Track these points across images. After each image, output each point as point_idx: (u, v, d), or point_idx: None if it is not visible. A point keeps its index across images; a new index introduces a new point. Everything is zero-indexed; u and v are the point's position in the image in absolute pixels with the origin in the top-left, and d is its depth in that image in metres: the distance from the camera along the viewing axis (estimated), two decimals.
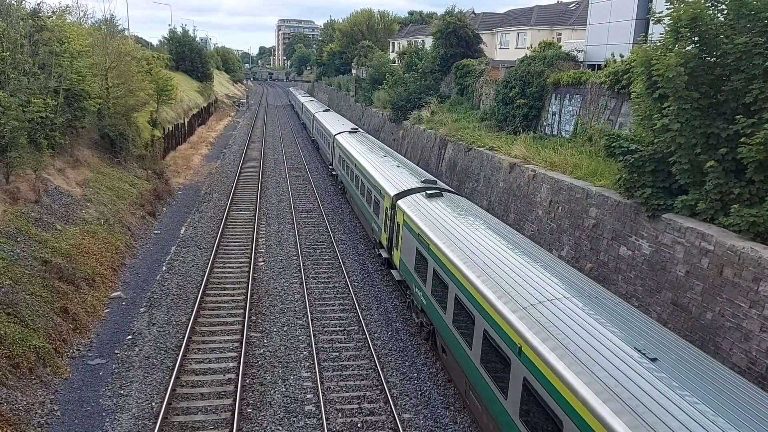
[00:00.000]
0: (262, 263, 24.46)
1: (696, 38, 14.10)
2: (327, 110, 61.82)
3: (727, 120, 13.84)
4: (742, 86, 13.47)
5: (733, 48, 13.48)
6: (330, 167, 43.05)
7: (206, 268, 23.06)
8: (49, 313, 16.30)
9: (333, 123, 47.42)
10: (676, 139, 14.34)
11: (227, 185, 39.14)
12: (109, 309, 19.28)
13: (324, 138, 47.71)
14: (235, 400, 14.31)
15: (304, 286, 22.00)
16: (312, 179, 42.91)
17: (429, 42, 55.27)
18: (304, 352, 17.18)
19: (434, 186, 22.01)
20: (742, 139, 12.98)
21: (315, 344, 17.57)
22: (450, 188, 23.37)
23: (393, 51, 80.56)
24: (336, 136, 39.28)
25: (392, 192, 21.57)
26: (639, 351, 9.16)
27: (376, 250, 25.02)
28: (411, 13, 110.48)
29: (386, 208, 22.22)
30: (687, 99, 13.85)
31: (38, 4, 29.12)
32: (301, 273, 23.37)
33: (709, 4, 14.25)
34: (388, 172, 25.05)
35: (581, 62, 30.01)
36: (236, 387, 14.90)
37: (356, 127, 44.11)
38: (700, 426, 7.37)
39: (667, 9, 14.75)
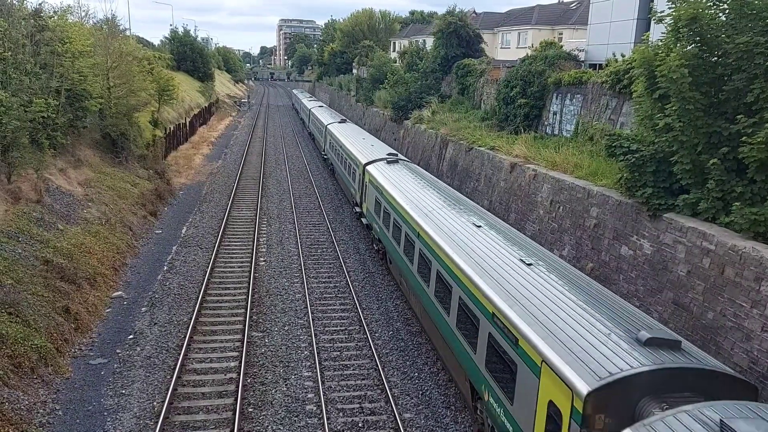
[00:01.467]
0: (263, 263, 24.48)
1: (697, 38, 14.09)
2: (344, 121, 48.90)
3: (728, 119, 13.84)
4: (744, 86, 13.47)
5: (734, 47, 13.47)
6: (356, 209, 29.90)
7: (207, 267, 23.07)
8: (50, 313, 16.32)
9: (358, 143, 34.05)
10: (678, 138, 14.33)
11: (228, 185, 39.17)
12: (111, 308, 19.30)
13: (345, 164, 34.22)
14: (236, 400, 14.32)
15: (305, 285, 22.02)
16: (313, 179, 42.92)
17: (430, 41, 55.26)
18: (305, 352, 17.20)
19: (666, 339, 9.35)
20: (744, 138, 12.97)
21: (316, 344, 17.58)
22: (677, 336, 9.87)
23: (394, 51, 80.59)
24: (368, 168, 27.11)
25: (570, 377, 8.83)
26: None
27: (480, 418, 13.07)
28: (412, 13, 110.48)
29: (539, 384, 9.67)
30: (690, 99, 13.84)
31: (40, 4, 29.19)
32: (302, 272, 23.38)
33: (710, 4, 14.24)
34: (514, 279, 12.25)
35: (582, 62, 30.00)
36: (237, 386, 14.92)
37: (395, 152, 30.62)
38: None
39: (669, 8, 14.74)
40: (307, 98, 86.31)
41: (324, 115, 54.16)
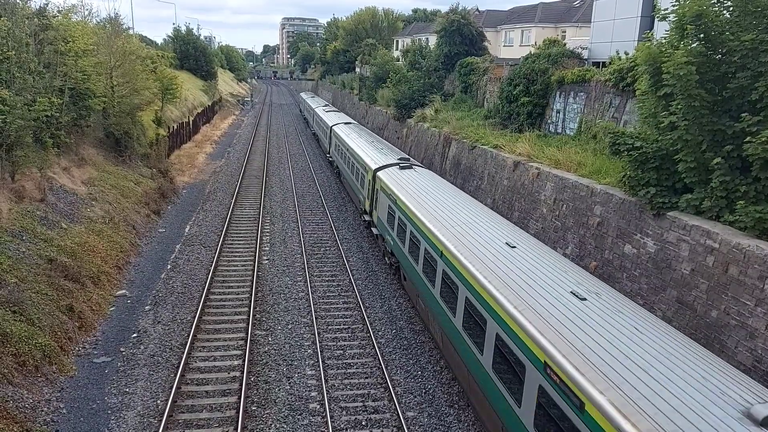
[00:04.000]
0: (267, 261, 24.50)
1: (701, 35, 14.04)
2: (407, 164, 25.61)
3: (733, 117, 13.80)
4: (748, 83, 13.42)
5: (738, 45, 13.42)
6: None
7: (211, 266, 23.11)
8: (54, 312, 16.37)
9: (494, 258, 13.62)
10: (683, 136, 14.29)
11: (231, 184, 39.21)
12: (115, 307, 19.35)
13: (451, 295, 14.69)
14: (239, 398, 14.35)
15: (308, 284, 22.03)
16: (316, 178, 42.93)
17: (433, 40, 55.19)
18: (309, 350, 17.22)
19: None
20: (748, 137, 12.93)
21: (319, 342, 17.60)
22: None
23: (397, 49, 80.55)
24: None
25: None
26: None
27: None
28: (415, 11, 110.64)
29: None
30: (696, 97, 13.80)
31: (44, 4, 29.26)
32: (305, 271, 23.40)
33: (715, 1, 14.18)
34: None
35: (585, 60, 29.92)
36: (241, 385, 14.94)
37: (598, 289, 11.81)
38: None
39: (673, 6, 14.69)
40: (322, 107, 62.99)
41: (360, 144, 33.09)
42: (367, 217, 27.57)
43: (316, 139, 60.37)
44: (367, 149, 31.29)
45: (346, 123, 45.67)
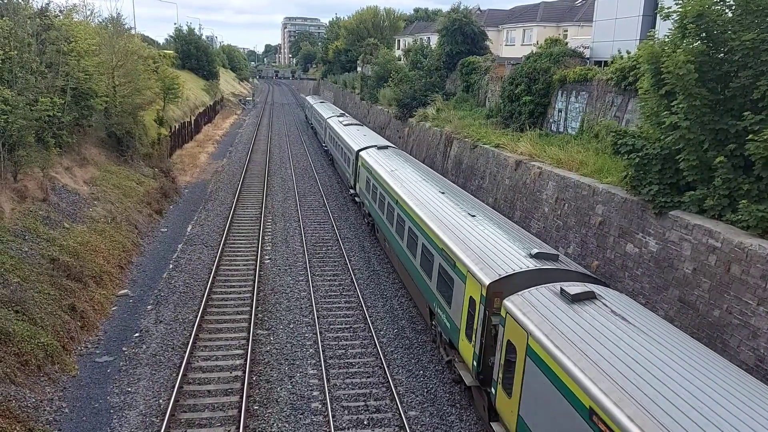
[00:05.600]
0: (268, 261, 24.52)
1: (703, 34, 14.03)
2: (577, 282, 12.12)
3: (735, 116, 13.79)
4: (750, 83, 13.41)
5: (740, 44, 13.41)
6: None
7: (213, 265, 23.13)
8: (57, 311, 16.40)
9: None
10: (685, 135, 14.28)
11: (233, 183, 39.24)
12: (117, 306, 19.38)
13: None
14: (241, 398, 14.37)
15: (310, 283, 22.04)
16: (318, 177, 42.94)
17: (434, 39, 55.15)
18: (311, 350, 17.23)
19: None
20: (750, 135, 12.92)
21: (321, 341, 17.60)
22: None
23: (398, 48, 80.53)
24: None
25: None
26: None
27: None
28: (416, 10, 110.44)
29: None
30: (696, 96, 13.78)
31: (46, 4, 29.31)
32: (307, 271, 23.41)
33: (717, 0, 14.16)
34: None
35: (587, 59, 29.88)
36: (243, 384, 14.96)
37: None
38: None
39: (676, 4, 14.68)
40: (337, 117, 48.61)
41: (427, 201, 19.13)
42: (468, 380, 13.95)
43: (330, 158, 46.32)
44: (447, 217, 17.16)
45: (381, 147, 29.99)
